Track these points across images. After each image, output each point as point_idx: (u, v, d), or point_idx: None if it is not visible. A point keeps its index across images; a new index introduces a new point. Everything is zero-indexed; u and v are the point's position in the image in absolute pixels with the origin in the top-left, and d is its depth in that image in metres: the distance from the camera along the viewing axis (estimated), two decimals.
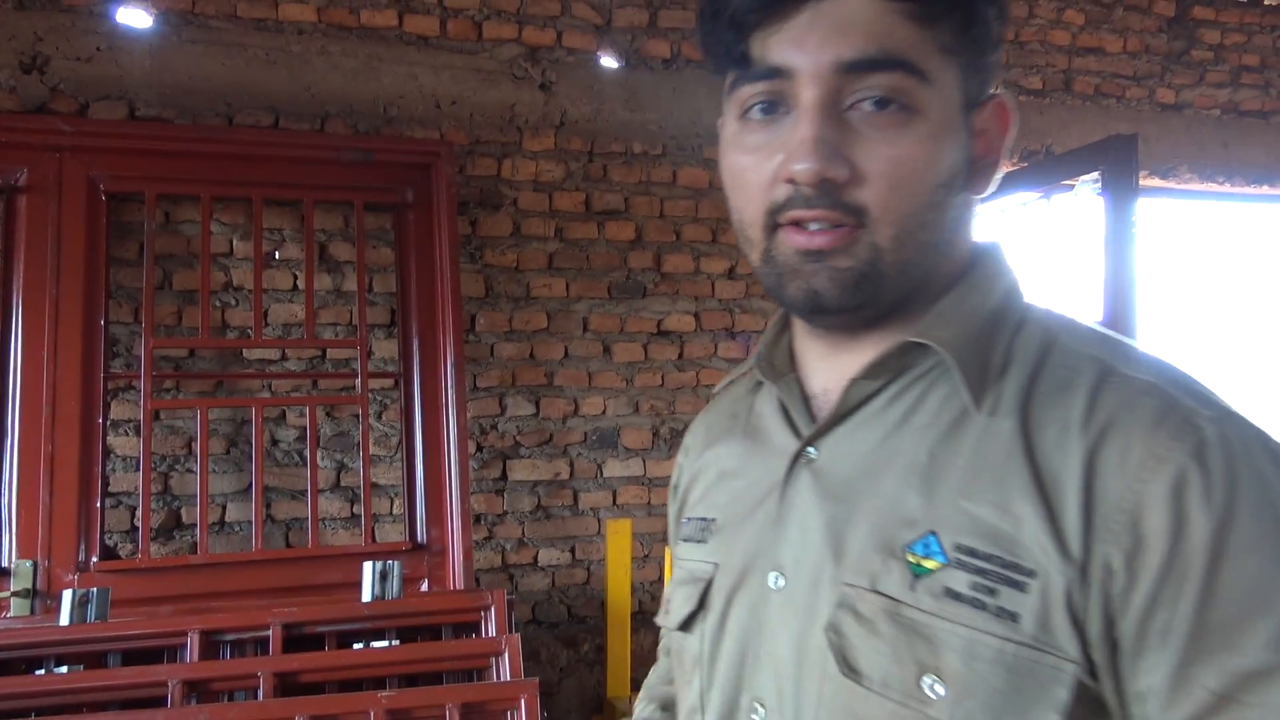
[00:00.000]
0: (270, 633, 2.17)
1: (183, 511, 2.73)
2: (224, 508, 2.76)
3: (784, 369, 0.75)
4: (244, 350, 2.80)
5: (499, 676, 2.17)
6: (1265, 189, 3.91)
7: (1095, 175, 2.93)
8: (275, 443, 2.83)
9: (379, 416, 2.89)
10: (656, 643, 0.94)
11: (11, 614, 2.33)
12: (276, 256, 2.84)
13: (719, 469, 0.80)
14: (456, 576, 2.63)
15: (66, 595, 2.16)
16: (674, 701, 0.82)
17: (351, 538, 2.84)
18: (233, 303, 2.81)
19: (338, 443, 2.87)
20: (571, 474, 3.10)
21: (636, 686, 2.81)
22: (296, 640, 2.20)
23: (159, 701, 1.98)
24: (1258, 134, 3.89)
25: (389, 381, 2.88)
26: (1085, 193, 3.00)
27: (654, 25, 3.21)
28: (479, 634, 2.32)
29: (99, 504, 2.49)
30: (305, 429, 2.76)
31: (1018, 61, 3.62)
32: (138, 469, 2.60)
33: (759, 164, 0.64)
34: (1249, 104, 3.90)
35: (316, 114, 2.87)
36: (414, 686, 2.17)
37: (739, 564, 0.71)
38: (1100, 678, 0.56)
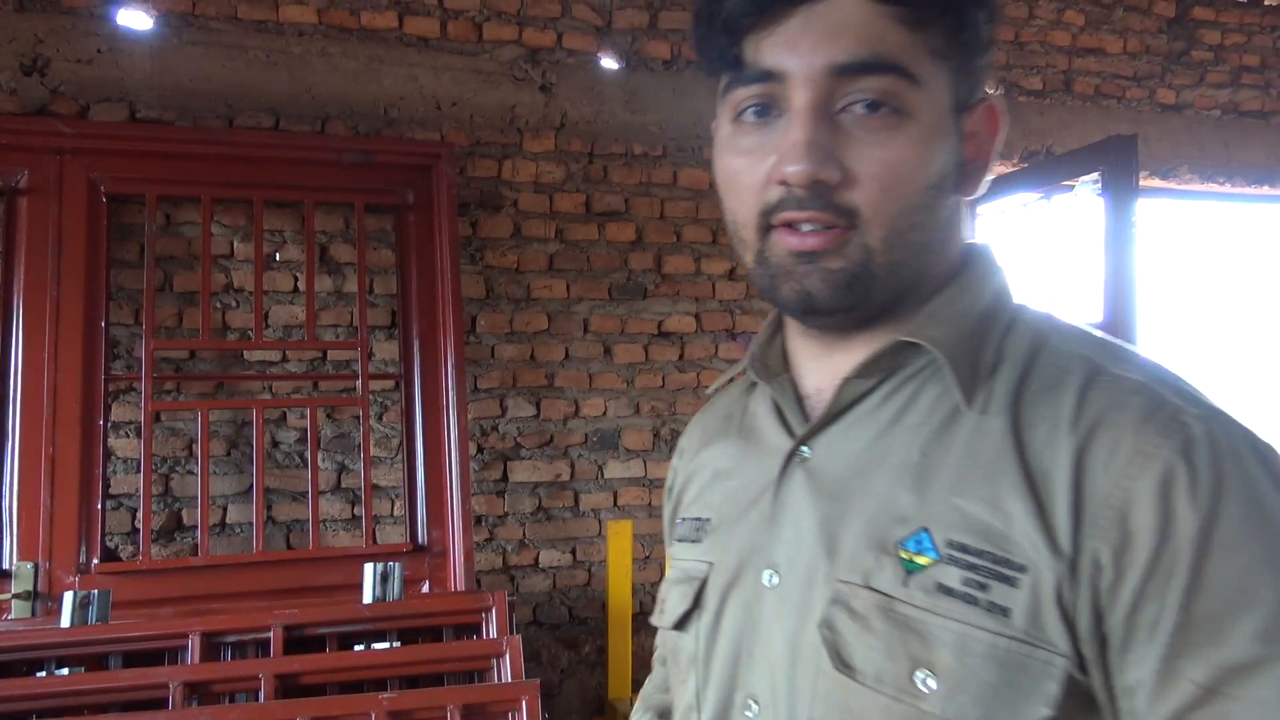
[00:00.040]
0: (271, 634, 2.17)
1: (183, 513, 2.74)
2: (225, 509, 2.76)
3: (778, 369, 0.75)
4: (245, 352, 2.80)
5: (500, 678, 2.17)
6: (1266, 189, 3.91)
7: (1095, 176, 2.93)
8: (276, 444, 2.83)
9: (380, 418, 2.89)
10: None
11: (12, 616, 2.34)
12: (277, 258, 2.84)
13: (713, 469, 0.80)
14: (457, 578, 2.63)
15: (67, 597, 2.16)
16: (670, 709, 0.83)
17: (352, 539, 2.84)
18: (233, 304, 2.81)
19: (338, 444, 2.87)
20: (572, 475, 3.10)
21: (638, 688, 2.81)
22: (297, 642, 2.20)
23: (160, 703, 1.98)
24: (1258, 134, 3.89)
25: (390, 383, 2.88)
26: (1085, 193, 3.00)
27: (654, 26, 3.22)
28: (480, 635, 2.32)
29: (100, 506, 2.50)
30: (306, 430, 2.76)
31: (1018, 62, 3.62)
32: (138, 471, 2.60)
33: (752, 166, 0.65)
34: (1249, 104, 3.90)
35: (317, 115, 2.87)
36: (415, 688, 2.17)
37: (733, 562, 0.71)
38: (1090, 672, 0.56)
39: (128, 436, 2.69)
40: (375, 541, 2.79)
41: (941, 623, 0.58)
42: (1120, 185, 2.85)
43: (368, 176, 2.80)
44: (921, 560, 0.60)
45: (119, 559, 2.61)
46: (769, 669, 0.66)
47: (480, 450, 3.01)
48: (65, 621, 2.14)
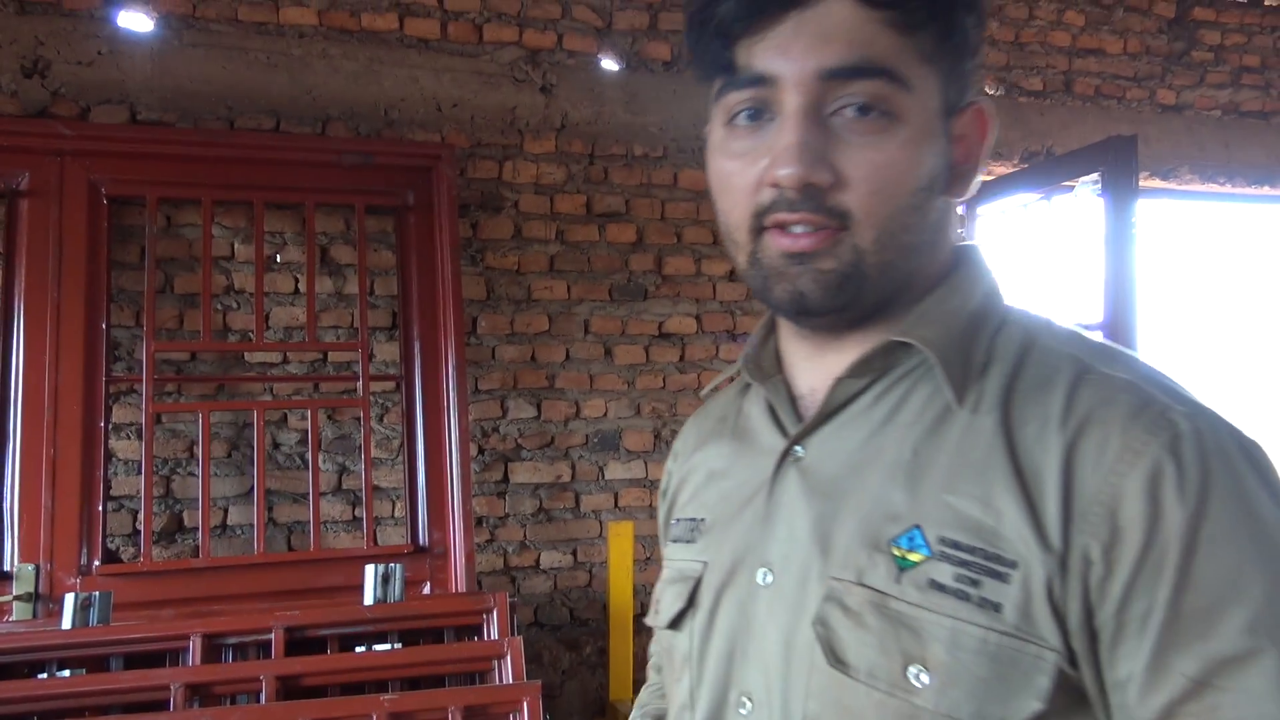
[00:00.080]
0: (272, 636, 2.17)
1: (184, 515, 2.74)
2: (226, 511, 2.76)
3: (771, 370, 0.76)
4: (245, 353, 2.81)
5: (501, 679, 2.17)
6: (1266, 190, 3.91)
7: (1095, 176, 2.94)
8: (277, 446, 2.83)
9: (380, 419, 2.89)
10: None
11: (14, 618, 2.34)
12: (278, 260, 2.85)
13: (708, 470, 0.81)
14: (458, 579, 2.63)
15: (68, 599, 2.16)
16: (665, 715, 0.83)
17: (353, 541, 2.84)
18: (234, 306, 2.82)
19: (339, 445, 2.87)
20: (573, 476, 3.10)
21: (639, 689, 2.81)
22: (299, 643, 2.20)
23: (161, 705, 1.99)
24: (1258, 135, 3.89)
25: (391, 384, 2.89)
26: (1085, 194, 3.00)
27: (654, 28, 3.22)
28: (481, 637, 2.32)
29: (101, 507, 2.50)
30: (307, 432, 2.76)
31: (1018, 63, 3.62)
32: (139, 472, 2.60)
33: (745, 169, 0.65)
34: (1250, 105, 3.91)
35: (317, 117, 2.87)
36: (416, 689, 2.17)
37: (728, 561, 0.72)
38: (1080, 666, 0.57)
39: (129, 438, 2.69)
40: (376, 543, 2.80)
41: (934, 618, 0.59)
42: (1120, 186, 2.85)
43: (368, 178, 2.80)
44: (914, 557, 0.60)
45: (120, 561, 2.61)
46: (763, 666, 0.67)
47: (481, 451, 3.01)
48: (66, 623, 2.14)
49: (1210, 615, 0.53)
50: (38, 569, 2.39)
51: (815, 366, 0.72)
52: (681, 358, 3.22)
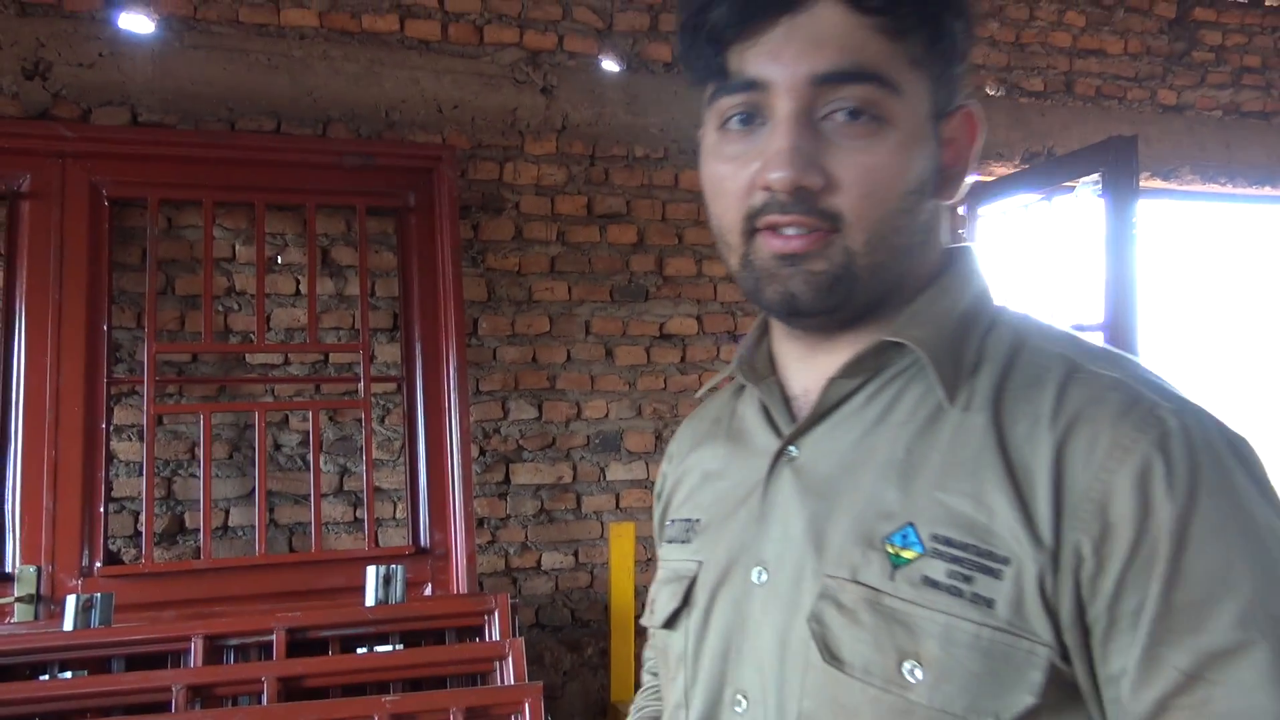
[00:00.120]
0: (274, 637, 2.17)
1: (186, 516, 2.74)
2: (227, 512, 2.77)
3: (765, 372, 0.77)
4: (247, 355, 2.81)
5: (502, 681, 2.17)
6: (1267, 190, 3.91)
7: (1096, 177, 2.94)
8: (278, 447, 2.83)
9: (382, 420, 2.89)
10: None
11: (15, 619, 2.34)
12: (279, 261, 2.85)
13: (703, 471, 0.82)
14: (460, 580, 2.63)
15: (70, 600, 2.16)
16: (660, 717, 0.84)
17: (354, 542, 2.84)
18: (235, 307, 2.82)
19: (340, 447, 2.88)
20: (574, 477, 3.10)
21: None
22: (300, 645, 2.20)
23: (163, 707, 1.99)
24: (1259, 135, 3.89)
25: (391, 385, 2.89)
26: (1086, 194, 3.00)
27: (655, 29, 3.22)
28: (482, 638, 2.32)
29: (102, 509, 2.50)
30: (308, 433, 2.77)
31: (1019, 63, 3.62)
32: (141, 474, 2.61)
33: (737, 172, 0.66)
34: (1250, 105, 3.91)
35: (318, 119, 2.87)
36: (418, 691, 2.17)
37: (723, 561, 0.73)
38: (1073, 661, 0.58)
39: (130, 440, 2.69)
40: (377, 544, 2.80)
41: (927, 614, 0.59)
42: (1121, 186, 2.85)
43: (369, 179, 2.81)
44: (907, 554, 0.61)
45: (121, 562, 2.62)
46: (758, 664, 0.67)
47: (482, 452, 3.01)
48: (68, 625, 2.14)
49: (1201, 609, 0.54)
50: (39, 571, 2.39)
51: (808, 367, 0.73)
52: (683, 359, 3.22)
